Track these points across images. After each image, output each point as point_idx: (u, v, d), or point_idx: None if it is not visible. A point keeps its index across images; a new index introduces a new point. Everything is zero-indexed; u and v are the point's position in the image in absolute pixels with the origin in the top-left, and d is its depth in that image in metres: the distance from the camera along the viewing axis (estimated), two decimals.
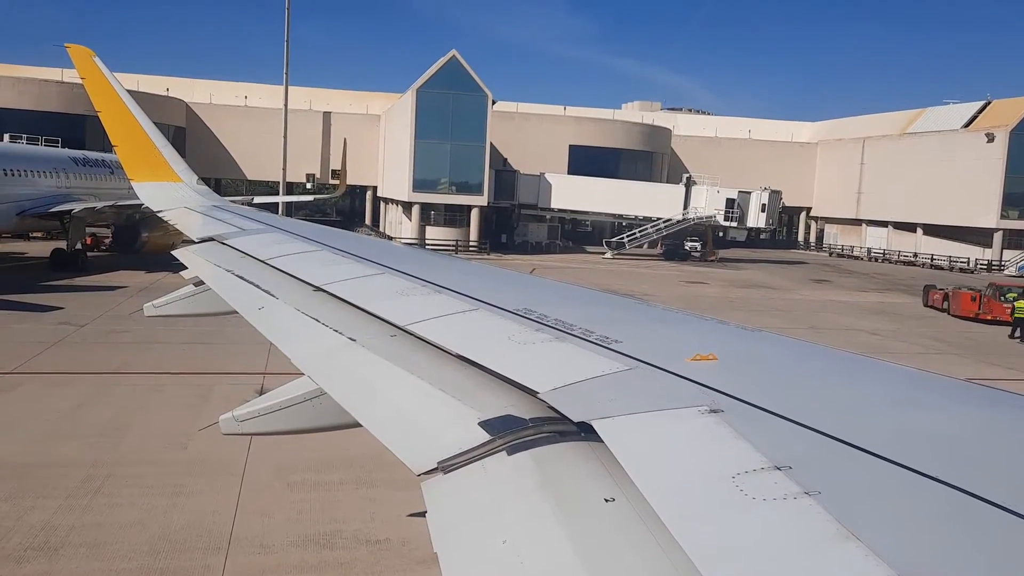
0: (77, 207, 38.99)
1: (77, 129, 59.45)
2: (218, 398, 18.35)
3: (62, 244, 40.59)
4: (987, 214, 73.47)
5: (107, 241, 46.85)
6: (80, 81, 13.89)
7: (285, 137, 75.44)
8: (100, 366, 21.52)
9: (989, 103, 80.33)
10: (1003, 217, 73.38)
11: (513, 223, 73.04)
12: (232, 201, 17.78)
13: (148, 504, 12.70)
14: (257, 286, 6.31)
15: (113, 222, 42.42)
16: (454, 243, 65.68)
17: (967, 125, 79.75)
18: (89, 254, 42.95)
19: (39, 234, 49.87)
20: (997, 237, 73.89)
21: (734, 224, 71.12)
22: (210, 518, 12.26)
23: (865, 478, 2.21)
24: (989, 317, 38.44)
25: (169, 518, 12.21)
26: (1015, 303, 36.03)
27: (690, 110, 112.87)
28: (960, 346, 32.31)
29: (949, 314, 40.86)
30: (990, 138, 73.70)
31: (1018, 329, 35.02)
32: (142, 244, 40.13)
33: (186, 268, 8.06)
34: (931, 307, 43.24)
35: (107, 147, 41.21)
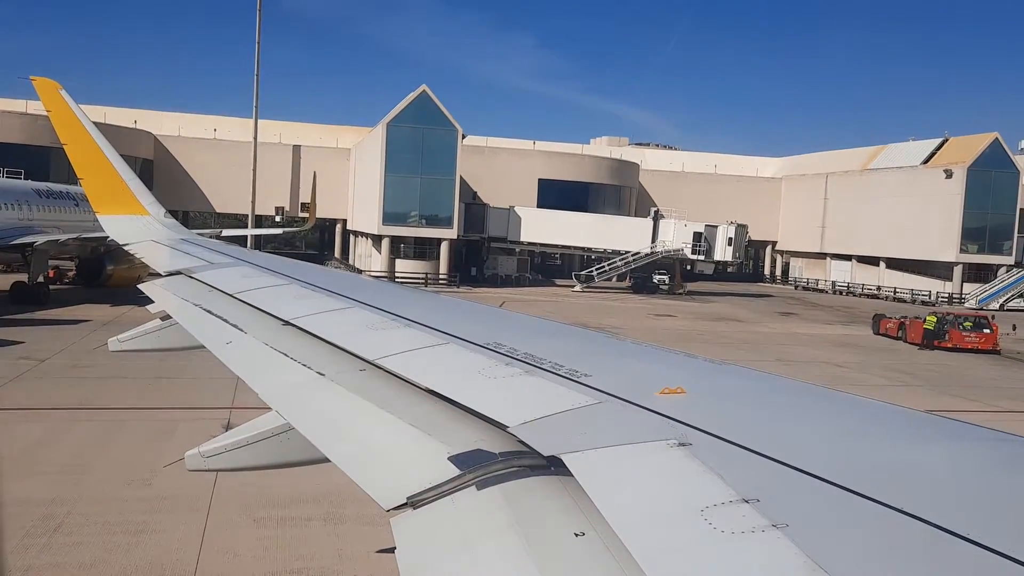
0: (40, 239, 38.29)
1: (41, 161, 58.72)
2: (184, 434, 18.01)
3: (23, 277, 39.87)
4: (947, 248, 75.05)
5: (71, 274, 46.12)
6: (45, 113, 13.77)
7: (254, 170, 75.11)
8: (62, 401, 21.07)
9: (947, 140, 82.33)
10: (962, 251, 75.01)
11: (483, 256, 73.18)
12: (200, 234, 17.62)
13: (109, 543, 12.39)
14: (225, 320, 6.24)
15: (77, 255, 41.80)
16: (424, 276, 65.56)
17: (926, 161, 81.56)
18: (52, 287, 42.22)
19: None
20: (957, 271, 75.38)
21: (701, 257, 71.78)
22: (173, 556, 12.00)
23: (832, 511, 2.23)
24: (949, 345, 41.22)
25: (131, 557, 11.93)
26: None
27: (657, 145, 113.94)
28: (924, 378, 32.84)
29: (906, 342, 43.17)
30: (948, 174, 75.46)
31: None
32: (107, 277, 39.58)
33: (152, 302, 7.94)
34: (883, 335, 45.67)
35: (72, 179, 40.82)
